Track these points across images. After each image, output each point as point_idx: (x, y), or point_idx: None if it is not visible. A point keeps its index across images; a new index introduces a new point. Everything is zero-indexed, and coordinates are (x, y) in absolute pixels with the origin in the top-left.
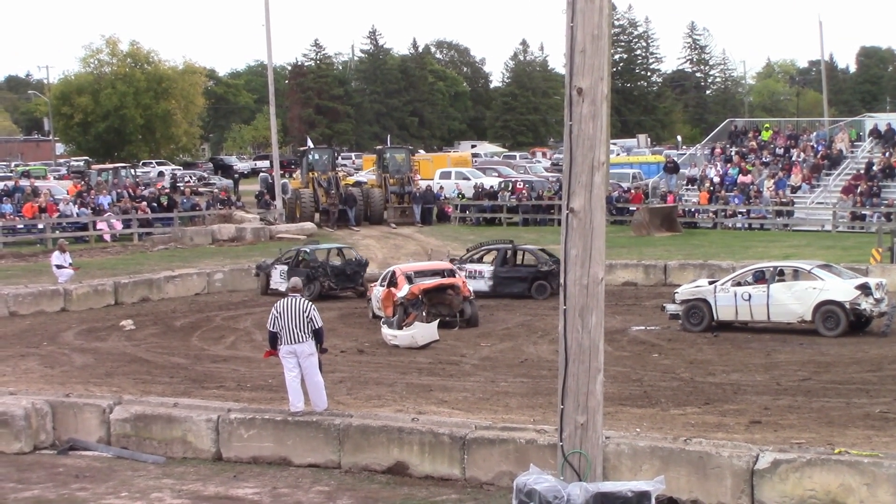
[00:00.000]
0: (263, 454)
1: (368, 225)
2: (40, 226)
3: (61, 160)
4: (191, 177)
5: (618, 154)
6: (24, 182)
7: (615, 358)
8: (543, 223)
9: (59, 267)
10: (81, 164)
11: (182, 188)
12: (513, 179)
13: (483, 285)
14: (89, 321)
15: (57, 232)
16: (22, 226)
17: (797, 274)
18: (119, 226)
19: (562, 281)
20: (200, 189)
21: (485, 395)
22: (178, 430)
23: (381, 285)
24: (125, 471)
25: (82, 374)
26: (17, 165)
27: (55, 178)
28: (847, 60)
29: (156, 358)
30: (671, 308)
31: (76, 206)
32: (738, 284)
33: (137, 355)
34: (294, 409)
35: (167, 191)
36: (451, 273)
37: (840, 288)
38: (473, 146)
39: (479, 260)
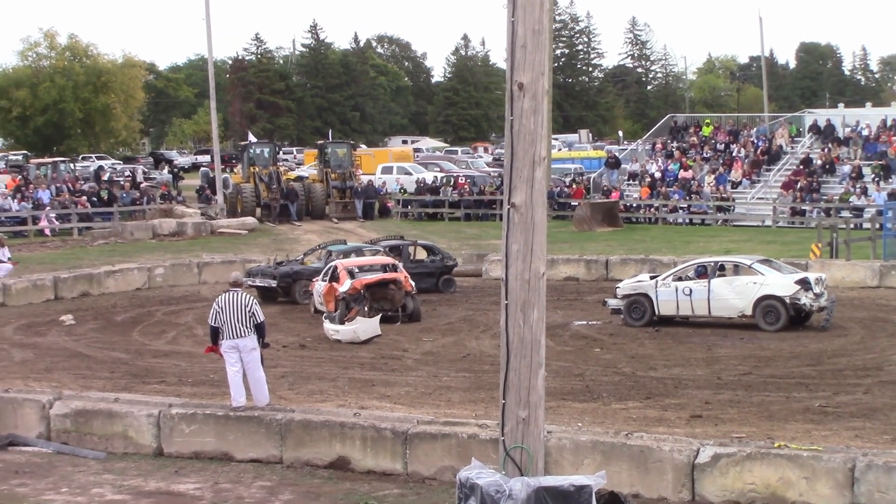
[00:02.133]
0: (205, 449)
1: (310, 220)
2: None
3: None
4: (132, 171)
5: (559, 149)
6: None
7: (557, 353)
8: (485, 218)
9: None
10: (20, 158)
11: (122, 182)
12: (454, 174)
13: None
14: (29, 316)
15: None
16: None
17: (738, 269)
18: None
19: (503, 276)
20: (144, 184)
21: (427, 390)
22: (119, 426)
23: (323, 280)
24: (66, 466)
25: (22, 369)
26: None
27: None
28: (787, 56)
29: (96, 353)
30: (613, 303)
31: (15, 200)
32: (680, 279)
33: (78, 350)
34: (236, 404)
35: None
36: (394, 268)
37: (780, 283)
38: (405, 141)
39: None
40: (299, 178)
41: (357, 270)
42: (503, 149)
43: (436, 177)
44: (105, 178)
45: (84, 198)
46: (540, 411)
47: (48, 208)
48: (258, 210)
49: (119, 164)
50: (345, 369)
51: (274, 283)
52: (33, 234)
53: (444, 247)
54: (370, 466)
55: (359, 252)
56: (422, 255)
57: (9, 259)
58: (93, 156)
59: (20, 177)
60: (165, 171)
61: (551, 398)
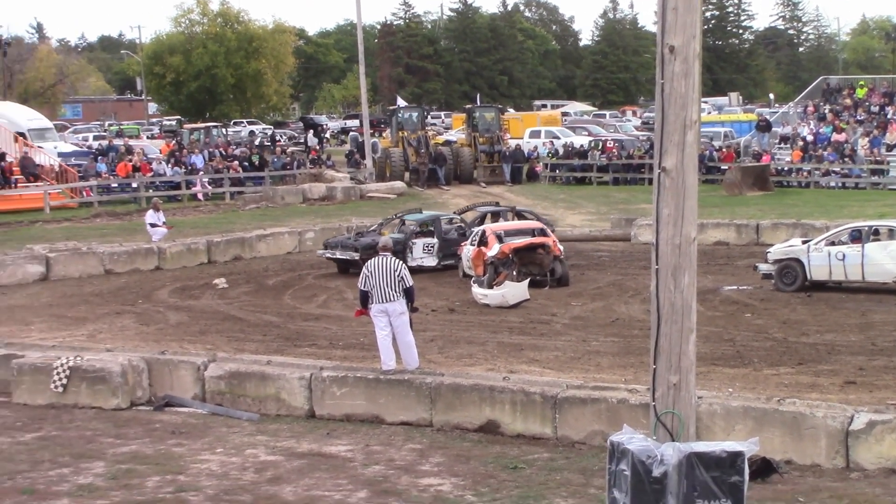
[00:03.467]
0: (356, 412)
1: (458, 184)
2: (134, 185)
3: (154, 119)
4: (281, 136)
5: (709, 112)
6: (117, 141)
7: (707, 318)
8: (634, 182)
9: (153, 226)
10: (174, 123)
11: (273, 147)
12: (603, 138)
13: None
14: (183, 279)
15: (150, 191)
16: (116, 185)
17: (893, 233)
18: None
19: (654, 240)
20: (292, 148)
21: (576, 355)
22: (272, 388)
23: (472, 244)
24: (220, 427)
25: (177, 331)
26: (110, 125)
27: (148, 137)
28: None
29: (248, 316)
30: (764, 268)
31: (169, 165)
32: (833, 244)
33: (230, 313)
34: (386, 367)
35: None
36: (542, 232)
37: None
38: (543, 105)
39: (482, 223)
40: (447, 143)
41: (505, 234)
42: (652, 112)
43: (587, 141)
44: (256, 142)
45: (236, 162)
46: (691, 376)
47: (201, 173)
48: (406, 174)
49: (270, 128)
50: (493, 333)
51: (356, 256)
52: (187, 198)
53: (588, 214)
54: (520, 430)
55: (435, 222)
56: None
57: (164, 223)
58: (244, 121)
59: (174, 142)
60: (310, 135)
61: (702, 363)
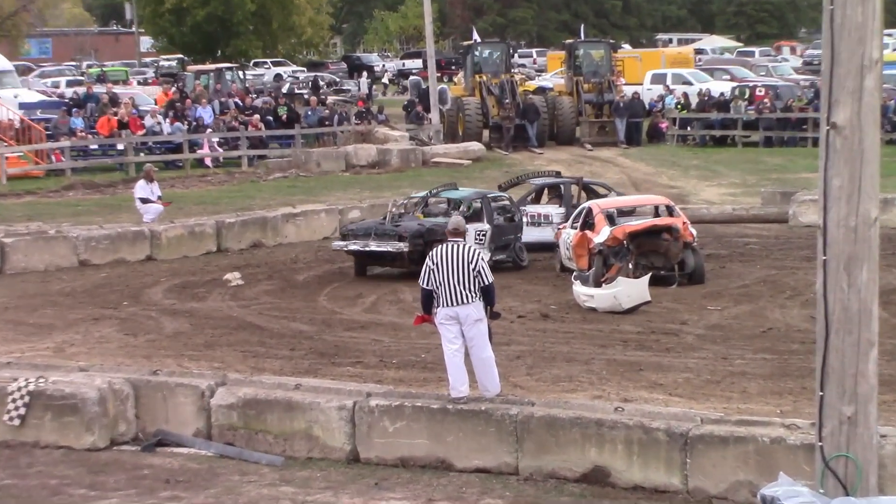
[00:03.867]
0: (415, 454)
1: (555, 145)
2: (120, 146)
3: (148, 59)
4: (318, 81)
5: (893, 50)
6: (98, 88)
7: (893, 326)
8: (792, 143)
9: (144, 201)
10: (174, 64)
11: (308, 96)
12: (750, 84)
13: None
14: (183, 274)
15: (142, 155)
16: (96, 146)
17: None
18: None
19: (820, 222)
20: (332, 97)
21: (714, 377)
22: (302, 422)
23: (573, 227)
24: (231, 474)
25: (174, 344)
26: (89, 66)
27: (140, 83)
28: None
29: (271, 324)
30: None
31: (167, 120)
32: None
33: (247, 320)
34: (456, 393)
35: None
36: (669, 210)
37: None
38: (669, 41)
39: (537, 201)
40: (541, 90)
41: (618, 213)
42: (817, 49)
43: (730, 88)
44: (285, 90)
45: (256, 117)
46: (871, 407)
47: (210, 131)
48: (485, 133)
49: (303, 71)
50: (602, 348)
51: (405, 248)
52: (190, 164)
53: (731, 187)
54: (636, 480)
55: (483, 201)
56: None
57: (159, 198)
58: (268, 61)
59: (174, 89)
60: (363, 80)
61: (885, 388)
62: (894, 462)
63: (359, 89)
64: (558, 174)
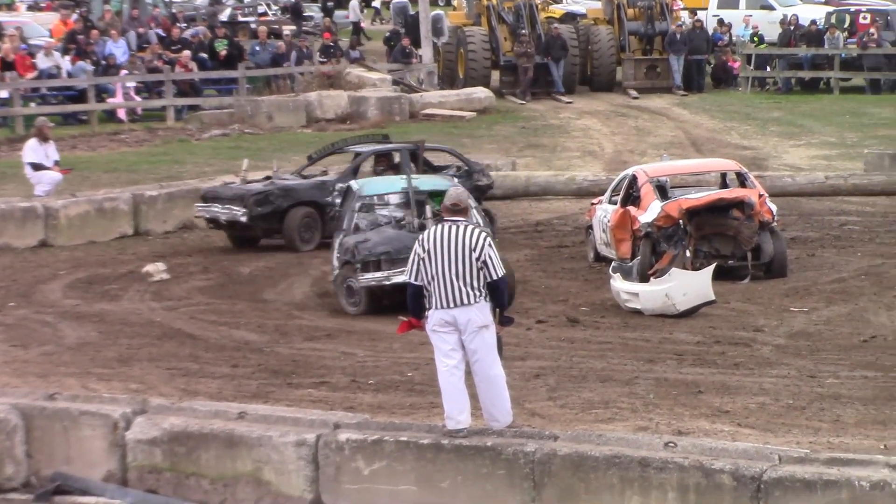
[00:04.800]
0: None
1: (589, 91)
2: (3, 93)
3: None
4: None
5: None
6: None
7: None
8: None
9: (36, 167)
10: None
11: (254, 26)
12: (852, 8)
13: None
14: (90, 265)
15: (32, 105)
16: None
17: None
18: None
19: None
20: (288, 28)
21: (797, 402)
22: (248, 462)
23: (612, 202)
24: None
25: (78, 358)
26: None
27: (30, 7)
28: None
29: (207, 332)
30: None
31: (68, 58)
32: None
33: (174, 326)
34: (453, 424)
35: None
36: (741, 179)
37: None
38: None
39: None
40: (570, 17)
41: (670, 184)
42: None
43: (823, 14)
44: (224, 17)
45: (187, 54)
46: None
47: (124, 73)
48: (495, 75)
49: None
50: (649, 363)
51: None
52: (98, 117)
53: (824, 147)
54: None
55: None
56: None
57: (56, 163)
58: None
59: (76, 16)
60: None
61: None
62: None
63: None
64: (386, 138)
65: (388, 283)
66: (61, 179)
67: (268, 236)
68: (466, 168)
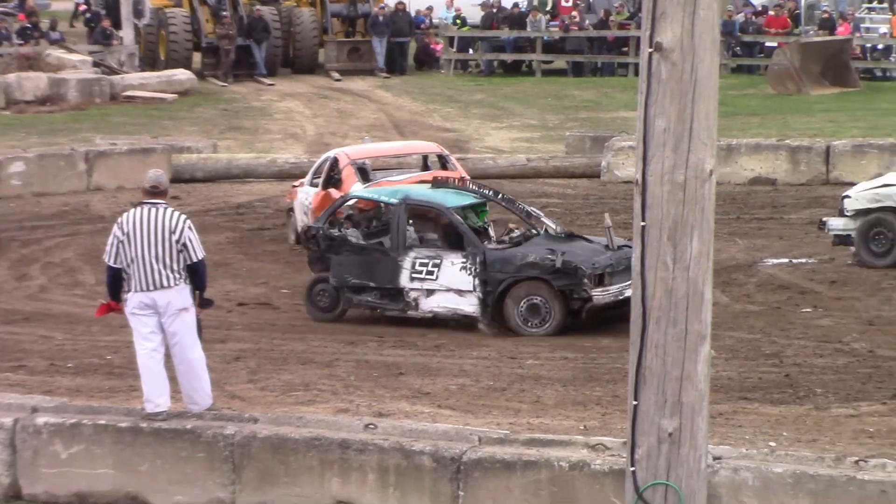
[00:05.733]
0: (97, 488)
1: (291, 73)
2: None
3: None
4: None
5: None
6: None
7: (734, 315)
8: (608, 71)
9: None
10: None
11: None
12: None
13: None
14: None
15: None
16: None
17: None
18: None
19: (637, 176)
20: None
21: (498, 384)
22: None
23: (313, 184)
24: None
25: None
26: None
27: None
28: None
29: None
30: (836, 225)
31: None
32: None
33: None
34: (152, 407)
35: None
36: (442, 161)
37: None
38: None
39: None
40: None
41: (370, 165)
42: None
43: None
44: None
45: None
46: (701, 420)
47: None
48: (197, 56)
49: None
50: (350, 345)
51: None
52: None
53: (526, 129)
54: None
55: None
56: None
57: None
58: None
59: None
60: None
61: (721, 396)
62: (730, 492)
63: None
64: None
65: (622, 297)
66: None
67: None
68: None
